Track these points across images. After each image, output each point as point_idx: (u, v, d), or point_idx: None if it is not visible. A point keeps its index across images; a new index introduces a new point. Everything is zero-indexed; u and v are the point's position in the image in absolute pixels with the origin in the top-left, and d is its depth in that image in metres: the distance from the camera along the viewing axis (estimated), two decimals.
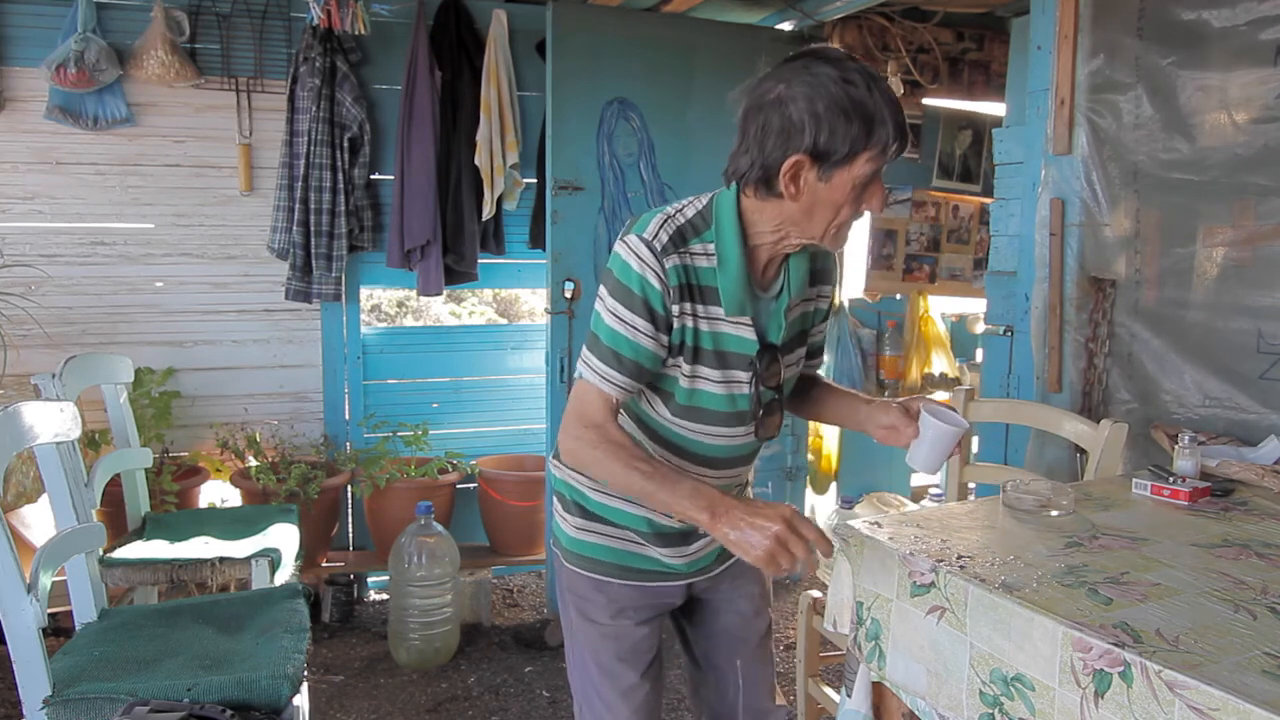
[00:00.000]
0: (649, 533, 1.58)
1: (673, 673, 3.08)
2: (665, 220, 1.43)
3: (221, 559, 2.42)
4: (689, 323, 1.43)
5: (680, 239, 1.42)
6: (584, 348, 1.46)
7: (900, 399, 1.61)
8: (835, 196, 1.36)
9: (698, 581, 1.67)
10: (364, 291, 3.81)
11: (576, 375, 1.47)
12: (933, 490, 4.17)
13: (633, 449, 1.40)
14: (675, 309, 1.41)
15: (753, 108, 1.38)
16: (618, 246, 1.43)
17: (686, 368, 1.46)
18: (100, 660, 1.86)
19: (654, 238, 1.40)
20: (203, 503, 3.36)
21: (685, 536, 1.60)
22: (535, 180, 3.62)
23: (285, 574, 2.52)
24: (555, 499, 1.67)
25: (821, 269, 1.59)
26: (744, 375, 1.48)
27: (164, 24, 3.14)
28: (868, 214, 1.44)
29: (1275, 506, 1.69)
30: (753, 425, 1.55)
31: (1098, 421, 2.17)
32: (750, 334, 1.47)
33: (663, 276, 1.38)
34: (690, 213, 1.46)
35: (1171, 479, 1.75)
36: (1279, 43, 2.15)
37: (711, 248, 1.44)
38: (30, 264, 3.19)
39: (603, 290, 1.43)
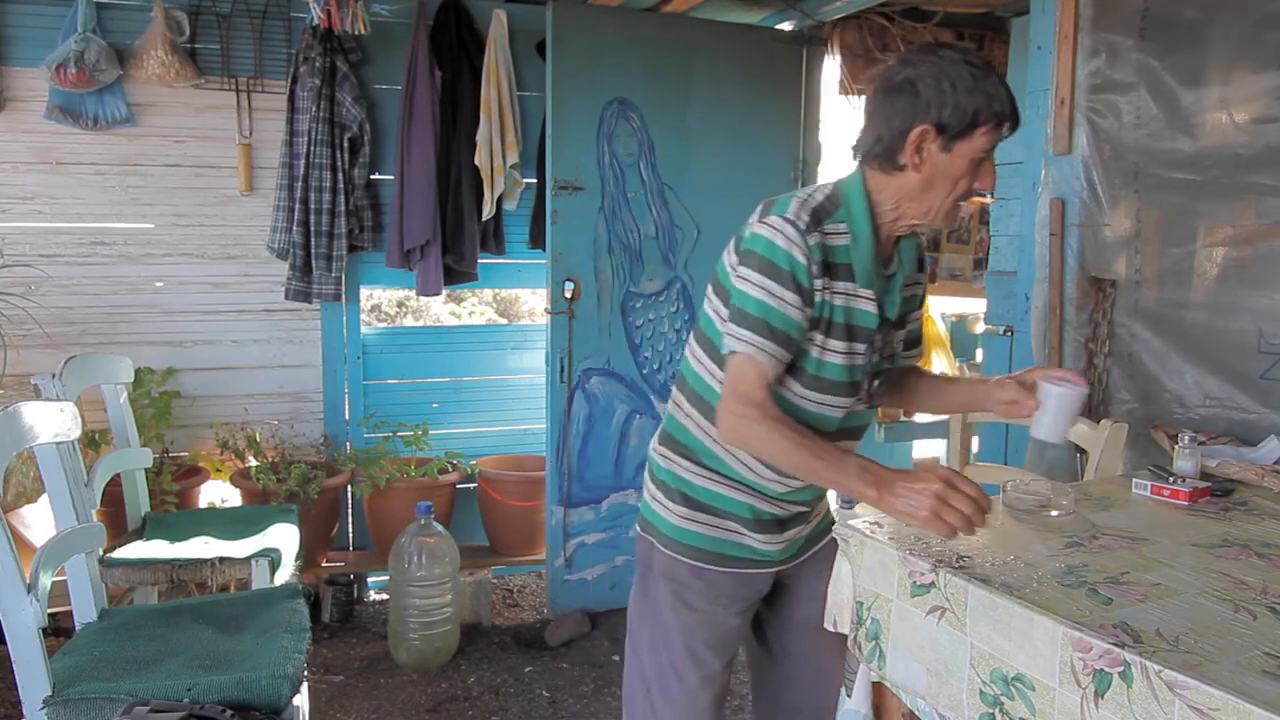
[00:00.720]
0: (750, 519, 1.66)
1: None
2: (802, 203, 1.54)
3: (221, 559, 2.42)
4: (826, 297, 1.53)
5: (817, 219, 1.52)
6: (730, 325, 1.52)
7: (1013, 374, 1.70)
8: (954, 168, 1.50)
9: (784, 569, 1.74)
10: (364, 291, 3.81)
11: (727, 352, 1.51)
12: None
13: (796, 426, 1.48)
14: (818, 283, 1.51)
15: (881, 89, 1.54)
16: (758, 228, 1.52)
17: (819, 339, 1.55)
18: (100, 660, 1.85)
19: (796, 218, 1.50)
20: (203, 503, 3.36)
21: (782, 524, 1.69)
22: (535, 180, 3.62)
23: (285, 574, 2.52)
24: (656, 487, 1.71)
25: (920, 258, 1.74)
26: (863, 347, 1.59)
27: (164, 24, 3.14)
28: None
29: (1275, 506, 1.69)
30: (865, 395, 1.66)
31: (1098, 421, 2.17)
32: (874, 308, 1.58)
33: (807, 253, 1.49)
34: (820, 197, 1.57)
35: (1171, 479, 1.75)
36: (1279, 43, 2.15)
37: (843, 227, 1.55)
38: (30, 264, 3.19)
39: (745, 270, 1.51)
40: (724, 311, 1.57)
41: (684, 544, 1.67)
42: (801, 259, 1.48)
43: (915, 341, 1.79)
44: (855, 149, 1.59)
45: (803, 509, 1.73)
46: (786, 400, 1.58)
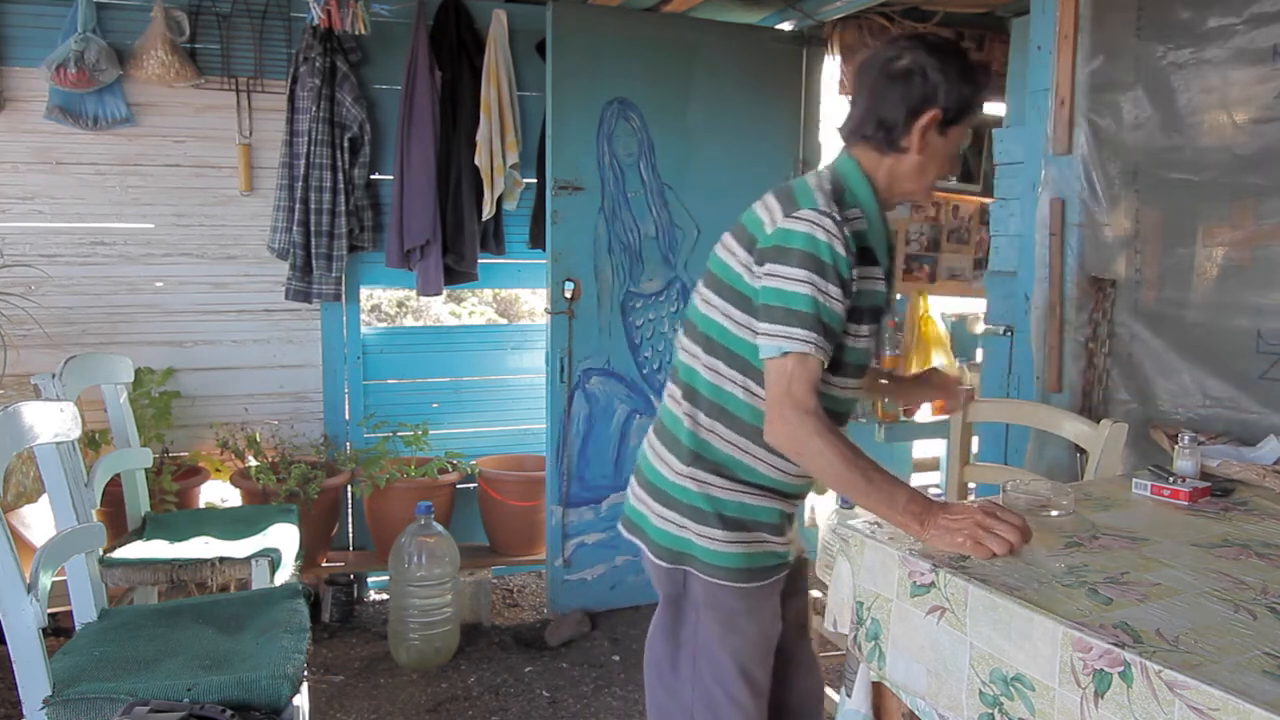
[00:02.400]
0: (776, 524, 1.66)
1: None
2: (826, 193, 1.54)
3: (221, 559, 2.42)
4: (857, 284, 1.54)
5: (840, 208, 1.54)
6: (770, 326, 1.49)
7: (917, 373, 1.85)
8: (947, 151, 1.60)
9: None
10: (364, 291, 3.81)
11: (775, 354, 1.48)
12: (933, 490, 4.17)
13: (848, 441, 1.49)
14: (855, 273, 1.52)
15: (882, 74, 1.57)
16: (793, 224, 1.49)
17: (852, 327, 1.58)
18: (100, 660, 1.85)
19: (830, 210, 1.50)
20: (203, 503, 3.36)
21: (792, 520, 1.71)
22: (535, 180, 3.62)
23: (285, 574, 2.52)
24: (684, 514, 1.63)
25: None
26: (877, 326, 1.65)
27: (164, 24, 3.14)
28: None
29: (1275, 506, 1.69)
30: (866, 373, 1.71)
31: (1098, 421, 2.17)
32: (884, 286, 1.62)
33: (846, 244, 1.49)
34: (829, 184, 1.58)
35: (1171, 479, 1.75)
36: (1278, 42, 2.15)
37: (857, 211, 1.58)
38: (30, 264, 3.20)
39: (781, 267, 1.48)
40: (737, 316, 1.56)
41: (728, 568, 1.61)
42: (843, 251, 1.48)
43: None
44: (849, 132, 1.63)
45: (802, 502, 1.77)
46: (822, 393, 1.55)
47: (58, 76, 3.06)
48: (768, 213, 1.56)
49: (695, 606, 1.66)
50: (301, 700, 1.89)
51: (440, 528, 3.16)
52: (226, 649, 1.94)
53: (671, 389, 1.69)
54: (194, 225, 3.39)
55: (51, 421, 1.89)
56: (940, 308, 4.18)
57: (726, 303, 1.58)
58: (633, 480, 1.76)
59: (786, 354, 1.47)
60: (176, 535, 2.62)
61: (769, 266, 1.50)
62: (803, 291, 1.47)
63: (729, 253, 1.61)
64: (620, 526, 1.77)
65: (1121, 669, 1.09)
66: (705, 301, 1.63)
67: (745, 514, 1.62)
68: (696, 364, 1.63)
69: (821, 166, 1.68)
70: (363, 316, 3.76)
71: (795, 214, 1.50)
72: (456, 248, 3.49)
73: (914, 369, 4.02)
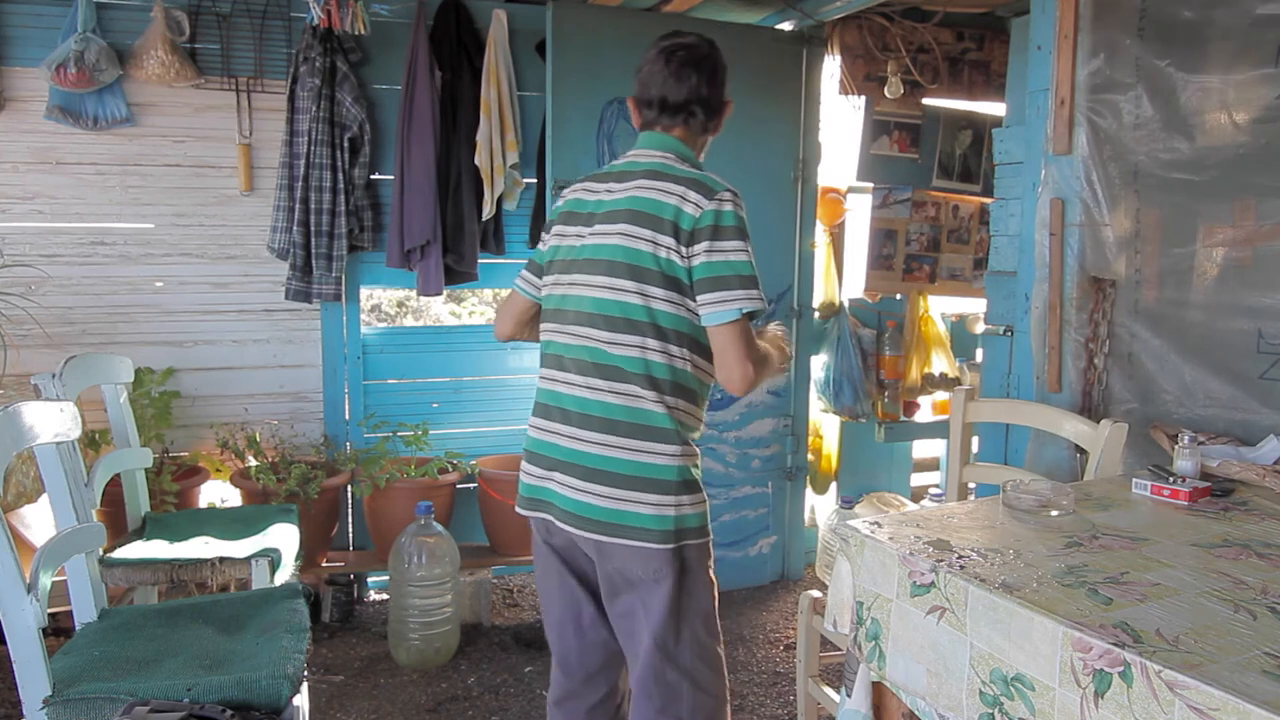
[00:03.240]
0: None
1: None
2: (714, 174, 1.78)
3: (221, 559, 2.42)
4: None
5: None
6: (726, 294, 1.68)
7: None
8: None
9: None
10: (364, 291, 3.81)
11: (735, 316, 1.68)
12: (933, 490, 4.17)
13: (759, 352, 1.75)
14: None
15: (702, 63, 1.83)
16: (718, 205, 1.71)
17: None
18: (100, 660, 1.86)
19: (732, 186, 1.75)
20: (203, 503, 3.36)
21: None
22: (535, 180, 3.62)
23: (285, 574, 2.52)
24: (679, 492, 1.74)
25: None
26: None
27: (164, 24, 3.14)
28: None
29: (1275, 506, 1.69)
30: None
31: (1098, 421, 2.17)
32: None
33: None
34: (700, 165, 1.84)
35: (1171, 479, 1.76)
36: (1279, 42, 2.15)
37: None
38: (30, 264, 3.20)
39: (726, 243, 1.70)
40: (675, 298, 1.71)
41: (705, 526, 1.80)
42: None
43: None
44: (674, 111, 1.82)
45: None
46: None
47: (58, 76, 3.06)
48: (685, 200, 1.70)
49: (691, 573, 1.77)
50: (301, 700, 1.89)
51: (440, 528, 3.17)
52: (226, 649, 1.94)
53: (610, 385, 1.73)
54: (194, 225, 3.39)
55: (51, 421, 1.89)
56: (940, 308, 4.18)
57: (661, 288, 1.70)
58: (586, 484, 1.75)
59: (744, 314, 1.68)
60: (176, 535, 2.62)
61: (708, 244, 1.68)
62: (745, 259, 1.69)
63: (649, 243, 1.70)
64: (593, 534, 1.75)
65: (1121, 669, 1.09)
66: (611, 290, 1.73)
67: (698, 474, 1.79)
68: (617, 349, 1.72)
69: (655, 150, 1.81)
70: (363, 316, 3.76)
71: (717, 196, 1.71)
72: (457, 248, 3.49)
73: (914, 369, 4.02)
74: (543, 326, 1.88)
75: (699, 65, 1.81)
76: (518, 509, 1.91)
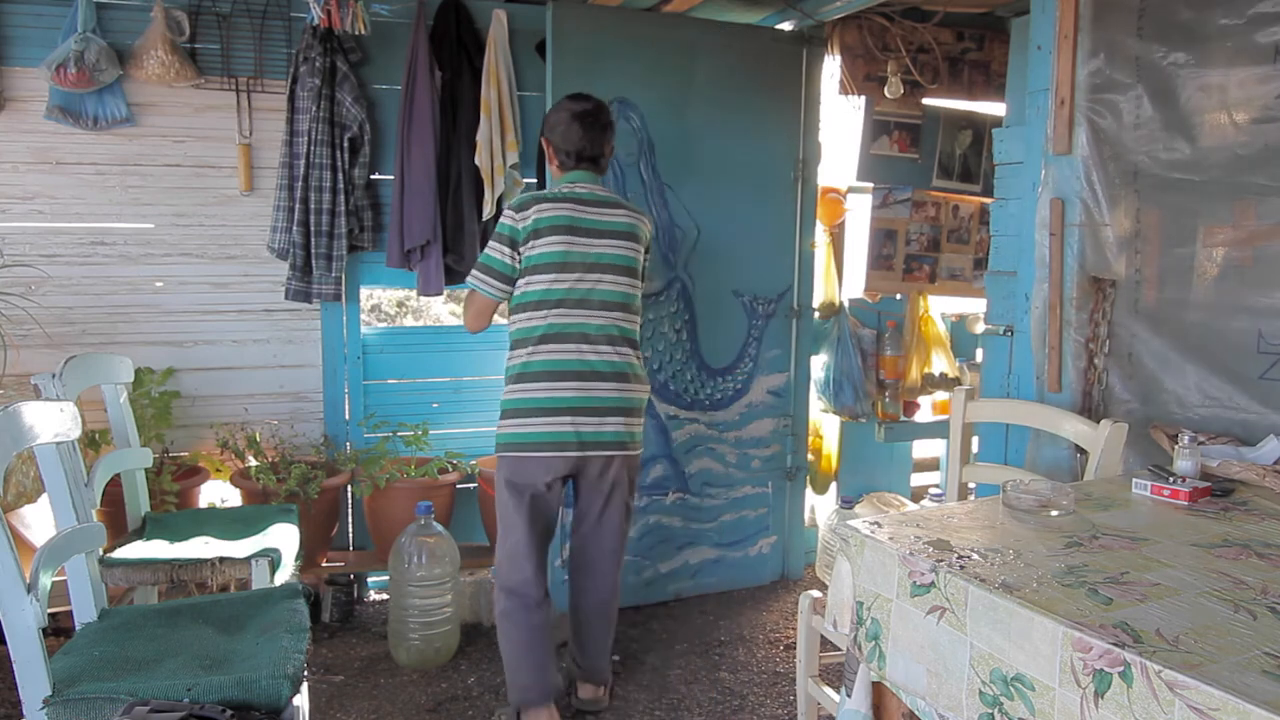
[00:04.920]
0: None
1: (672, 673, 3.08)
2: None
3: (221, 559, 2.42)
4: None
5: None
6: (644, 284, 2.76)
7: None
8: None
9: None
10: (364, 291, 3.81)
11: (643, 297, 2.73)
12: (933, 490, 4.17)
13: None
14: None
15: (600, 125, 2.61)
16: (649, 221, 2.72)
17: None
18: (100, 660, 1.85)
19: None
20: (203, 503, 3.36)
21: None
22: (535, 180, 3.62)
23: (285, 574, 2.52)
24: (643, 414, 2.69)
25: None
26: None
27: (164, 24, 3.14)
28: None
29: (1275, 506, 1.69)
30: None
31: (1098, 421, 2.17)
32: None
33: None
34: None
35: (1171, 479, 1.76)
36: (1278, 42, 2.15)
37: None
38: (30, 264, 3.20)
39: (652, 246, 2.82)
40: (638, 286, 2.63)
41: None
42: None
43: None
44: (592, 159, 2.62)
45: None
46: None
47: (58, 76, 3.06)
48: (642, 221, 2.63)
49: (637, 468, 2.73)
50: (301, 700, 1.89)
51: (440, 528, 3.17)
52: (226, 649, 1.94)
53: (621, 349, 2.57)
54: (194, 225, 3.39)
55: (51, 421, 1.89)
56: (940, 308, 4.18)
57: (637, 279, 2.63)
58: (610, 418, 2.54)
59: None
60: (176, 535, 2.62)
61: (649, 249, 2.70)
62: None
63: (634, 251, 2.60)
64: (606, 452, 2.56)
65: (1121, 669, 1.09)
66: (624, 284, 2.58)
67: None
68: (627, 324, 2.59)
69: (593, 184, 2.60)
70: (363, 316, 3.76)
71: (646, 217, 2.67)
72: (457, 248, 3.49)
73: (914, 369, 4.02)
74: (557, 311, 2.50)
75: (605, 128, 2.62)
76: (525, 453, 2.51)
